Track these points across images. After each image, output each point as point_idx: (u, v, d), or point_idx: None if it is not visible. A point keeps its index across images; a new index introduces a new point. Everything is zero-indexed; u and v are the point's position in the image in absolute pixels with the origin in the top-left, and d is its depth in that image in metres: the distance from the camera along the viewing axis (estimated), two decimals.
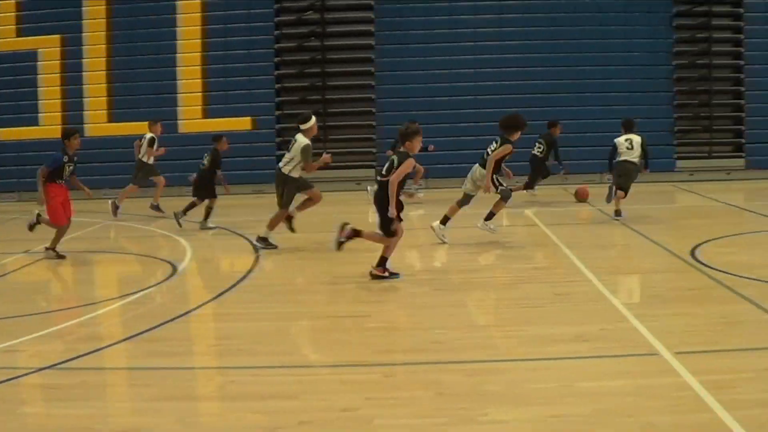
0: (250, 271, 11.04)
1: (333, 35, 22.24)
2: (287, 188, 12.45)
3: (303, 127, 12.47)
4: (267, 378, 6.62)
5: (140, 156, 17.14)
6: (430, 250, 12.39)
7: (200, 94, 21.84)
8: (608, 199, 14.64)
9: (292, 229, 12.90)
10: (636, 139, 14.46)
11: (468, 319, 8.48)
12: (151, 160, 17.18)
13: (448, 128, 20.83)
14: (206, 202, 14.96)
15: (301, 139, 12.36)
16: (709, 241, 12.39)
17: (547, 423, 5.55)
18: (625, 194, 14.31)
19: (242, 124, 21.46)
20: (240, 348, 7.54)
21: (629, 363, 6.82)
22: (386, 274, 10.10)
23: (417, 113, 20.58)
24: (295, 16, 22.17)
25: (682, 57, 21.76)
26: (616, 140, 14.54)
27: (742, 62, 21.73)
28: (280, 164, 12.56)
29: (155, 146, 17.01)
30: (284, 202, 12.50)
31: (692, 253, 11.23)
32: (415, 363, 6.91)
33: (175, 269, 11.30)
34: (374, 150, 21.61)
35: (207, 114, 21.64)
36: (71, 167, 12.19)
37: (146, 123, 17.47)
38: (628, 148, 14.37)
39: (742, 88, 21.70)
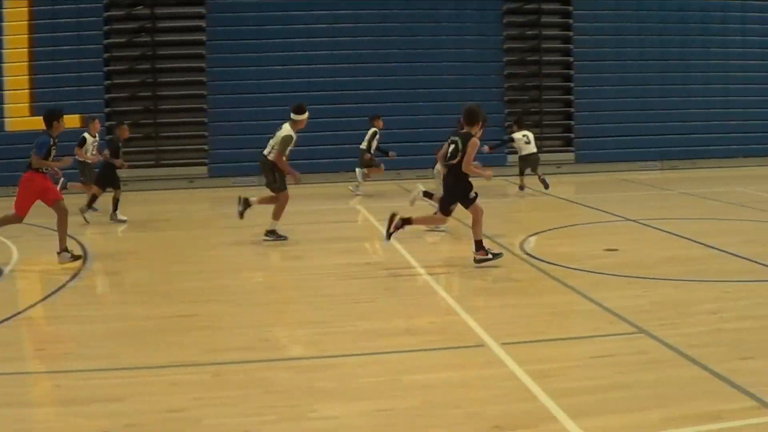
0: (77, 273, 10.53)
1: (163, 30, 21.59)
2: (277, 172, 12.33)
3: (294, 116, 12.46)
4: (94, 381, 6.31)
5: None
6: (264, 248, 12.14)
7: (27, 91, 20.83)
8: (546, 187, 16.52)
9: (241, 214, 12.62)
10: (530, 133, 16.78)
11: (297, 316, 8.31)
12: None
13: (280, 125, 20.52)
14: (112, 192, 14.79)
15: (286, 128, 12.33)
16: (539, 233, 12.64)
17: (376, 417, 5.52)
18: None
19: (71, 121, 20.56)
20: (67, 352, 7.23)
21: (457, 355, 6.82)
22: (489, 255, 10.14)
23: (249, 109, 20.46)
24: (124, 11, 21.43)
25: (513, 53, 22.24)
26: (513, 136, 16.50)
27: (571, 58, 22.37)
28: (265, 151, 12.43)
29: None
30: (277, 186, 12.38)
31: (521, 246, 11.41)
32: (244, 362, 6.74)
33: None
34: (206, 147, 21.17)
35: (34, 112, 20.60)
36: (55, 151, 11.14)
37: None
38: (526, 143, 16.33)
39: (572, 84, 22.34)
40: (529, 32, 22.35)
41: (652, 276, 9.47)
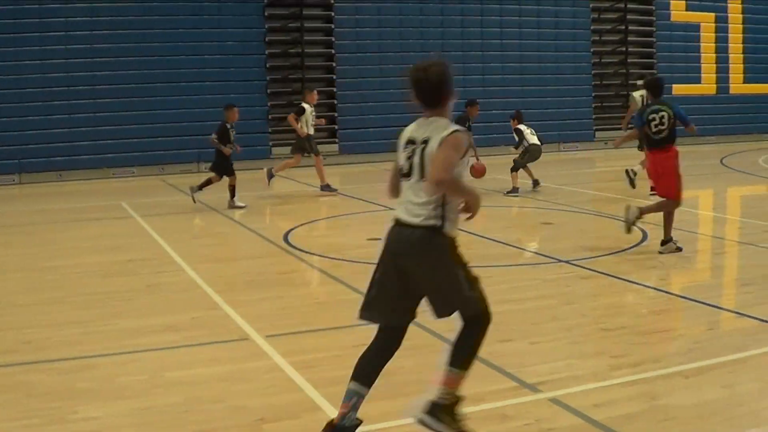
0: None
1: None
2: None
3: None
4: None
5: None
6: (26, 248, 11.56)
7: None
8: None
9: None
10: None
11: (59, 317, 7.93)
12: None
13: (39, 121, 19.70)
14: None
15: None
16: (303, 225, 12.70)
17: (137, 415, 5.40)
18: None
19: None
20: None
21: (221, 349, 6.75)
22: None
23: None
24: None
25: (275, 46, 22.23)
26: (521, 127, 16.10)
27: (333, 51, 22.59)
28: None
29: None
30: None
31: (285, 238, 11.43)
32: (5, 365, 6.44)
33: None
34: None
35: None
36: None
37: None
38: (532, 134, 16.02)
39: (334, 77, 22.57)
40: (292, 24, 22.37)
41: None
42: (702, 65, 26.92)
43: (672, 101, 10.30)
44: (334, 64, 22.61)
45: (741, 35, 27.64)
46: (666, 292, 8.34)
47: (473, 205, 4.79)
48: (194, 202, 14.58)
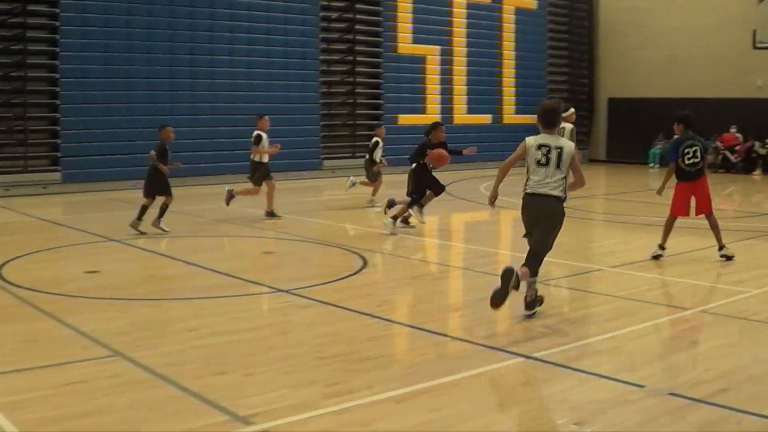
0: None
1: None
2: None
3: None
4: None
5: None
6: None
7: None
8: None
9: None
10: None
11: None
12: None
13: None
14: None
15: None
16: (18, 257, 12.05)
17: None
18: None
19: None
20: None
21: None
22: None
23: None
24: None
25: None
26: None
27: (57, 75, 21.64)
28: None
29: None
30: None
31: None
32: None
33: None
34: None
35: None
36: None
37: None
38: None
39: (58, 102, 21.63)
40: (14, 47, 21.24)
41: (131, 297, 9.46)
42: (426, 96, 28.14)
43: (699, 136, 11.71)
44: (57, 89, 21.66)
45: (463, 68, 29.17)
46: (383, 319, 8.51)
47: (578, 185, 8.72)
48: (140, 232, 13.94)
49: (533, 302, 8.47)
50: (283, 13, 24.62)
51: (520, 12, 30.97)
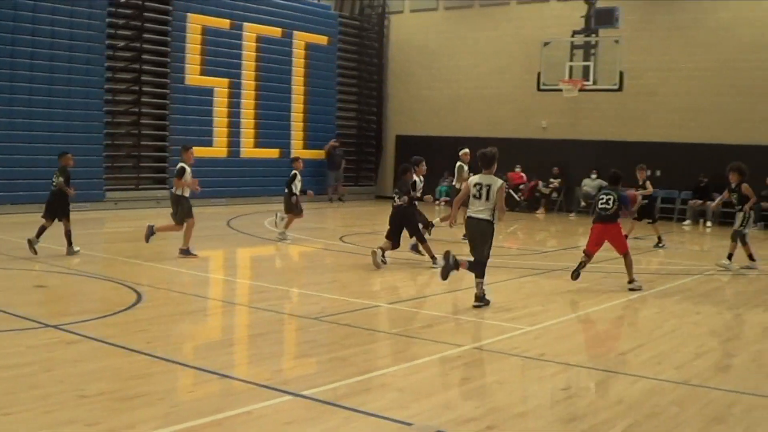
0: None
1: None
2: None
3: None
4: None
5: None
6: None
7: None
8: None
9: None
10: None
11: None
12: None
13: None
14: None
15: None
16: None
17: None
18: None
19: None
20: None
21: None
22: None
23: None
24: None
25: None
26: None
27: None
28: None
29: None
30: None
31: None
32: None
33: None
34: None
35: None
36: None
37: None
38: None
39: None
40: None
41: None
42: (215, 129, 27.91)
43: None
44: None
45: (254, 101, 29.13)
46: (151, 356, 8.31)
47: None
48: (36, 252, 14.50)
49: (482, 297, 11.41)
50: (68, 40, 23.69)
51: (311, 47, 31.28)
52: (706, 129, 26.83)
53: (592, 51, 23.37)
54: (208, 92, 27.74)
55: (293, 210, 18.61)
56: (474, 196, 11.43)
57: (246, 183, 28.52)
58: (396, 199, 15.25)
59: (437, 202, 30.92)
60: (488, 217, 11.31)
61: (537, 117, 30.28)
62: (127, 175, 25.70)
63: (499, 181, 11.52)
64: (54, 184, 15.01)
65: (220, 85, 28.06)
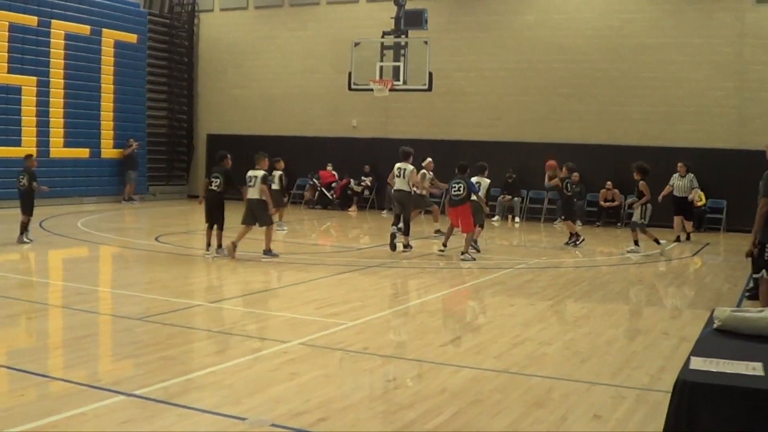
0: None
1: None
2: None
3: None
4: None
5: None
6: None
7: None
8: None
9: None
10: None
11: None
12: None
13: None
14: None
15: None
16: None
17: None
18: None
19: None
20: None
21: None
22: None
23: None
24: None
25: None
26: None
27: None
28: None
29: None
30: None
31: None
32: None
33: None
34: None
35: None
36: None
37: None
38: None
39: None
40: None
41: None
42: (22, 128, 27.08)
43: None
44: None
45: (62, 100, 28.41)
46: None
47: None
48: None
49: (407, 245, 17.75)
50: None
51: (119, 45, 30.69)
52: (511, 127, 28.25)
53: (402, 52, 24.03)
54: (16, 90, 26.86)
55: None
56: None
57: (56, 183, 27.73)
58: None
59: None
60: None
61: (348, 116, 30.92)
62: None
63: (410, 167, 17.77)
64: (22, 184, 17.65)
65: (27, 84, 27.21)
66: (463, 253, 16.65)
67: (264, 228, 16.26)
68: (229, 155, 16.81)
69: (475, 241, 17.86)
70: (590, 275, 15.85)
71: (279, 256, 16.22)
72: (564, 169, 20.14)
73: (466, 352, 9.46)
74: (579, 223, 24.58)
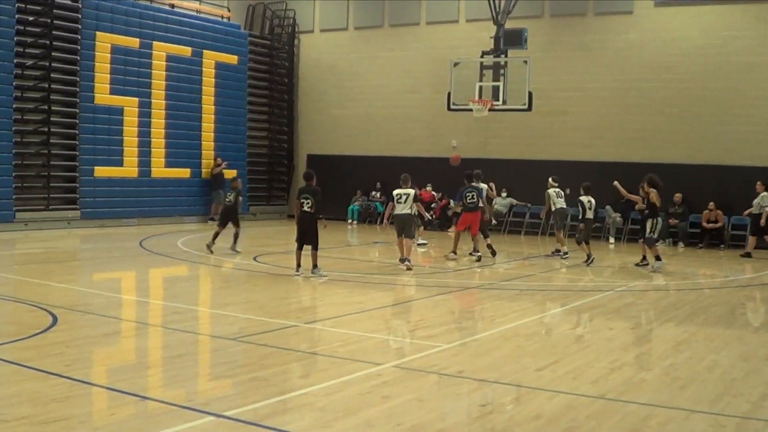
0: None
1: None
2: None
3: None
4: None
5: None
6: None
7: None
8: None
9: None
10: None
11: None
12: None
13: None
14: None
15: None
16: None
17: None
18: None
19: None
20: None
21: None
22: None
23: None
24: None
25: None
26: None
27: None
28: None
29: None
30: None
31: None
32: None
33: None
34: None
35: None
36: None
37: None
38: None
39: None
40: None
41: None
42: (124, 148, 27.62)
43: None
44: None
45: (163, 121, 28.91)
46: (71, 379, 8.25)
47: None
48: None
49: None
50: None
51: (220, 66, 31.16)
52: (612, 147, 27.65)
53: (501, 71, 23.79)
54: (118, 111, 27.44)
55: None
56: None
57: (157, 203, 28.28)
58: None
59: (350, 221, 31.10)
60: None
61: (447, 136, 30.69)
62: (36, 196, 25.25)
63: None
64: (228, 200, 20.39)
65: (129, 104, 27.78)
66: (470, 253, 20.10)
67: (406, 239, 17.82)
68: (314, 174, 16.92)
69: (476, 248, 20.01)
70: (692, 298, 15.28)
71: (411, 264, 17.63)
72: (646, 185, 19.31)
73: (563, 376, 9.11)
74: (681, 244, 24.91)
